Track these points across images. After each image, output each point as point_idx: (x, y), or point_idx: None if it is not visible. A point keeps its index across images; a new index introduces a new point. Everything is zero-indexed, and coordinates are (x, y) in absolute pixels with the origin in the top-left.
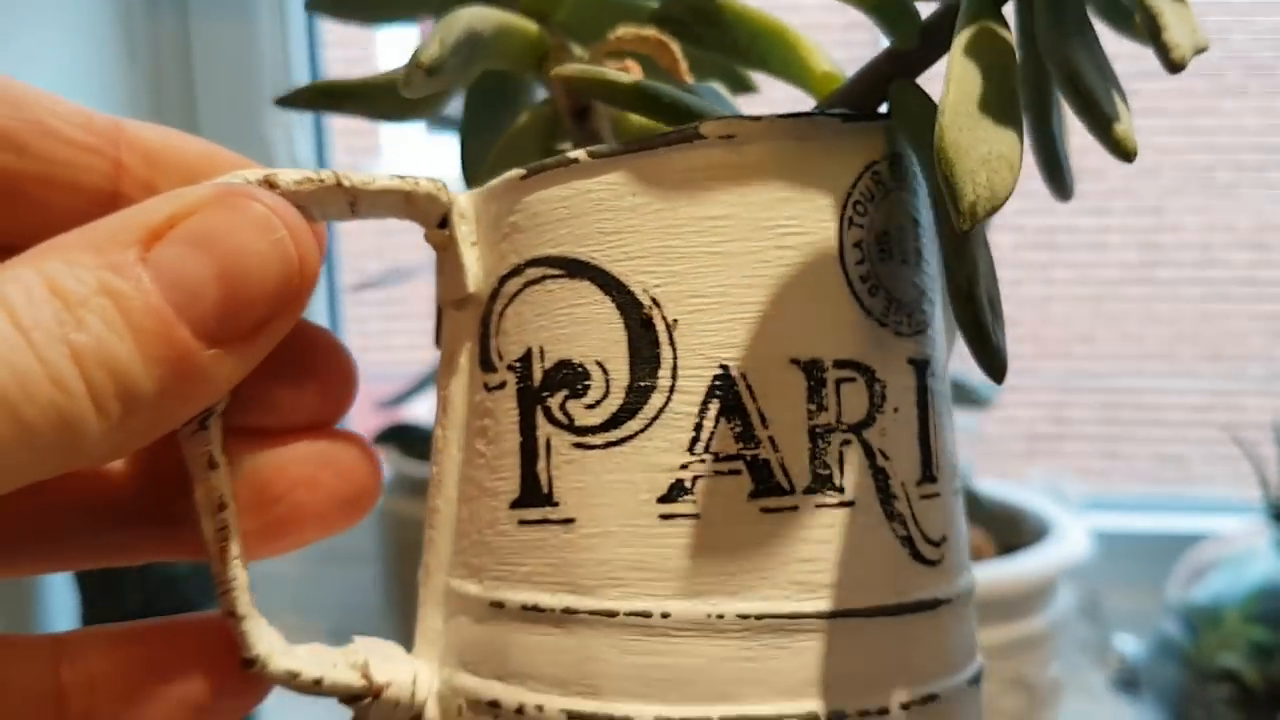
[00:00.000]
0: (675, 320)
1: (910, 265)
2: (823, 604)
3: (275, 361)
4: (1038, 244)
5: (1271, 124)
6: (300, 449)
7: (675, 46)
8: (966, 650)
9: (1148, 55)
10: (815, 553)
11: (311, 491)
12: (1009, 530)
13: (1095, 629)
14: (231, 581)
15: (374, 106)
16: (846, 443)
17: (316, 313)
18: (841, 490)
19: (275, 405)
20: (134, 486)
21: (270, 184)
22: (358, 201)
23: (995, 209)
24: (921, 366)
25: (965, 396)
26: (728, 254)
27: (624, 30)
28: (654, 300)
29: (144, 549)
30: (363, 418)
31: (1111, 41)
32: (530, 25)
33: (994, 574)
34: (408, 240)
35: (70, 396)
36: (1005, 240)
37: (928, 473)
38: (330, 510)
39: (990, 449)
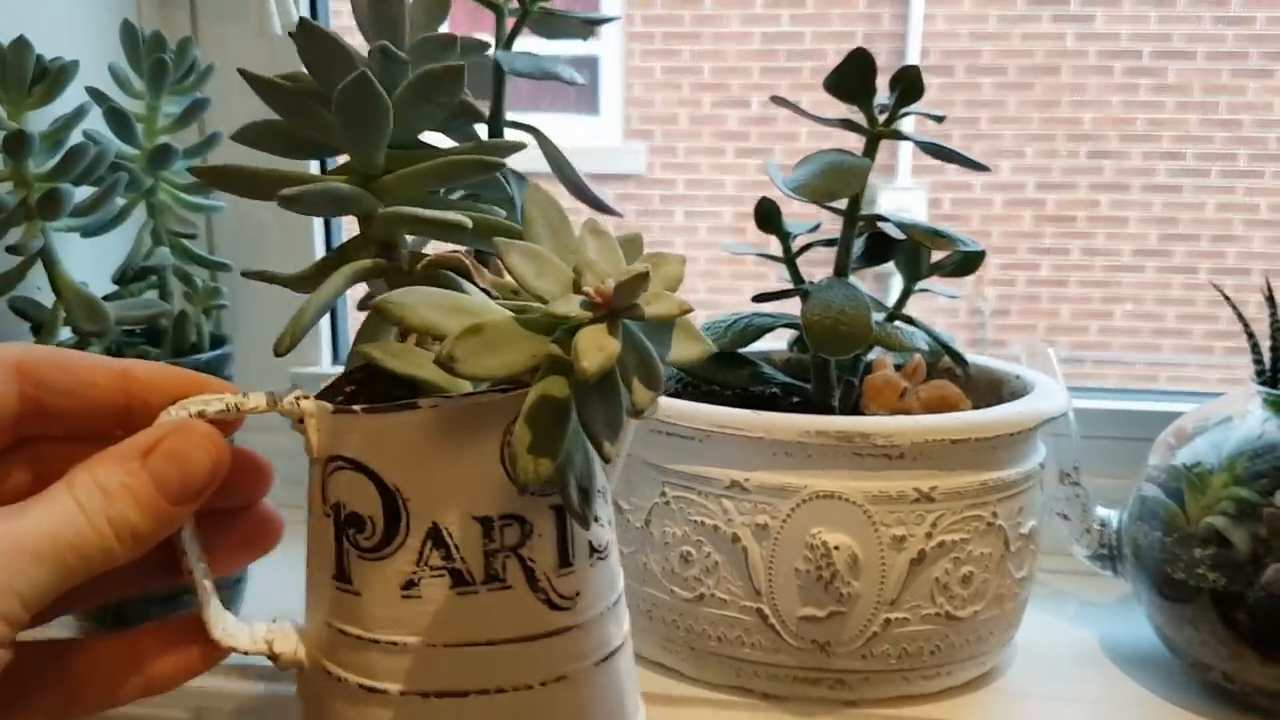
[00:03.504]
0: (409, 498)
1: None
2: (493, 635)
3: (230, 477)
4: (1056, 219)
5: None
6: (241, 519)
7: (470, 262)
8: (595, 648)
9: (1172, 35)
10: (488, 613)
11: (249, 540)
12: (990, 394)
13: (1075, 501)
14: (201, 594)
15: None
16: (509, 557)
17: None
18: (504, 581)
19: (231, 499)
20: (160, 563)
21: (201, 414)
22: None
23: (544, 481)
24: (559, 509)
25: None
26: (430, 459)
27: (438, 254)
28: (397, 488)
29: (162, 582)
30: None
31: (1136, 23)
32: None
33: (969, 420)
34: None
35: (105, 539)
36: (1027, 215)
37: (564, 561)
38: (253, 546)
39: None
